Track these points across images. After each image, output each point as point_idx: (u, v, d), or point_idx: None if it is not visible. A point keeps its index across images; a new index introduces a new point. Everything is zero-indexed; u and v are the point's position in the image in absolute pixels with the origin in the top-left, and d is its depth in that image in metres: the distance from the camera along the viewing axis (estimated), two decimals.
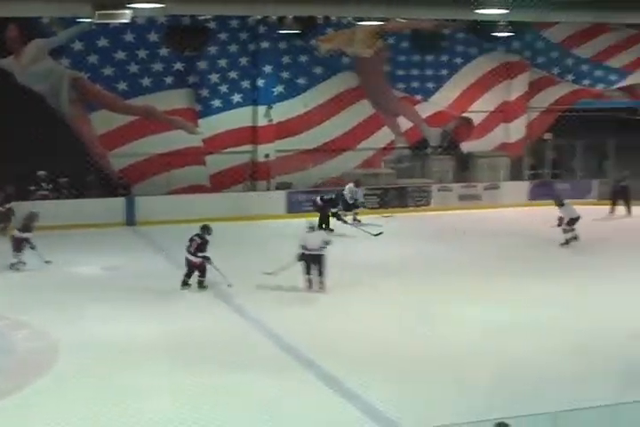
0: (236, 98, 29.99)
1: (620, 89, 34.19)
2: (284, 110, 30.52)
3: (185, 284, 19.46)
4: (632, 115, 33.79)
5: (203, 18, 28.91)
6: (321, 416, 12.54)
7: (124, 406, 12.80)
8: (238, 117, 30.02)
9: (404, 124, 32.12)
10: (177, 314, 17.80)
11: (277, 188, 29.90)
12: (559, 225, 24.11)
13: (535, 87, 33.23)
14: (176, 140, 29.08)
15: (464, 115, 32.67)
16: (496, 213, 30.03)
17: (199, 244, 19.25)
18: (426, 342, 16.11)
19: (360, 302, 18.71)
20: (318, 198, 26.29)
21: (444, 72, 32.59)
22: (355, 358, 15.10)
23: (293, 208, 28.83)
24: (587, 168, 32.98)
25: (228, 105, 29.91)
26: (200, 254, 19.22)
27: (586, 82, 33.76)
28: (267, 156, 30.01)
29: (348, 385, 13.78)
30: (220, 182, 29.55)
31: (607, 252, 24.18)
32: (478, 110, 32.84)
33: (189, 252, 19.31)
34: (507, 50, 33.00)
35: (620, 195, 29.67)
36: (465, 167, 32.42)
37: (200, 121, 29.61)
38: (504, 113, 33.04)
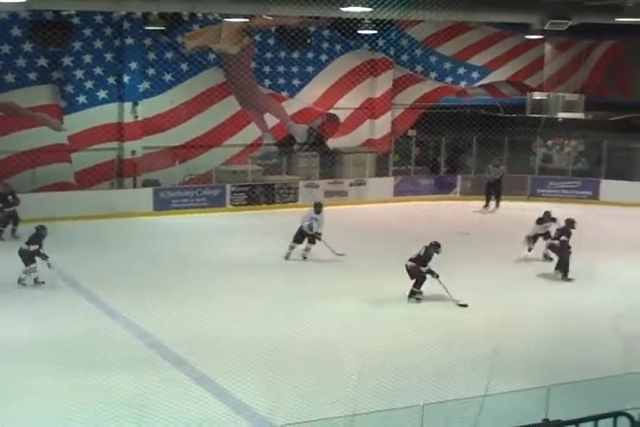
0: (102, 94, 29.60)
1: (481, 87, 35.01)
2: (151, 107, 30.28)
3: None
4: (493, 111, 34.61)
5: (66, 13, 28.48)
6: (190, 413, 12.57)
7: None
8: (104, 114, 29.62)
9: (271, 120, 32.19)
10: (41, 315, 17.54)
11: (144, 185, 29.59)
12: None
13: (399, 84, 33.73)
14: (41, 137, 28.43)
15: (330, 111, 32.91)
16: (362, 208, 30.43)
17: None
18: (293, 338, 16.25)
19: (226, 301, 18.77)
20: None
21: (310, 69, 32.83)
22: (224, 355, 15.16)
23: (160, 206, 28.68)
24: (451, 164, 33.71)
25: (93, 101, 29.48)
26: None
27: (448, 79, 34.58)
28: (133, 153, 29.76)
29: (217, 383, 13.86)
30: (86, 180, 29.09)
31: (472, 244, 24.76)
32: (344, 107, 33.18)
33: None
34: (371, 48, 33.39)
35: (492, 188, 30.63)
36: (331, 164, 32.71)
37: (65, 117, 29.11)
38: (369, 110, 33.49)
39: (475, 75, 34.65)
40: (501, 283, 20.67)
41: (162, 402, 12.84)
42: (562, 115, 34.23)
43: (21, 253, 19.77)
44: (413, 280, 19.40)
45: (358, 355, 15.19)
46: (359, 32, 30.92)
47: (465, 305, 18.92)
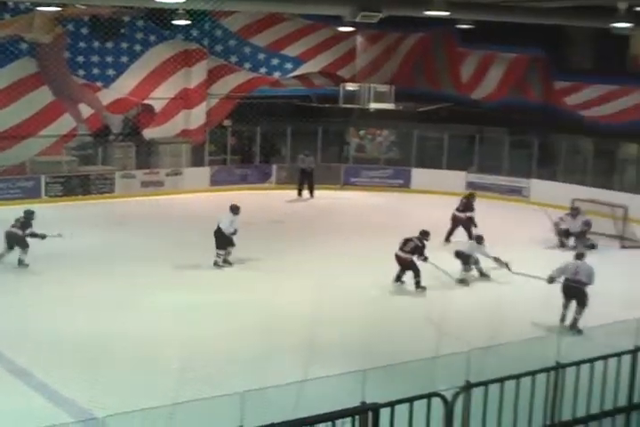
0: None
1: (295, 77, 35.45)
2: None
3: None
4: (306, 102, 35.14)
5: None
6: (6, 406, 12.49)
7: None
8: None
9: (86, 111, 31.74)
10: None
11: None
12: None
13: (214, 75, 33.75)
14: None
15: (145, 102, 32.74)
16: (179, 198, 30.53)
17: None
18: (116, 330, 16.31)
19: (49, 294, 18.65)
20: None
21: (125, 59, 32.41)
22: (43, 348, 15.10)
23: None
24: (266, 153, 34.09)
25: None
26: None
27: (263, 70, 34.74)
28: None
29: (35, 376, 13.79)
30: None
31: (287, 232, 25.26)
32: (159, 97, 32.99)
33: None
34: (186, 38, 33.30)
35: (305, 178, 31.18)
36: (147, 154, 32.61)
37: None
38: (184, 100, 33.36)
39: (288, 66, 35.00)
40: (317, 269, 21.20)
41: None
42: (373, 105, 34.98)
43: (11, 236, 21.12)
44: (409, 271, 20.38)
45: (180, 345, 15.40)
46: (173, 22, 30.87)
47: (463, 280, 20.73)
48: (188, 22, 30.98)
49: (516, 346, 12.22)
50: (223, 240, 21.64)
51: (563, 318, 17.42)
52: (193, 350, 15.35)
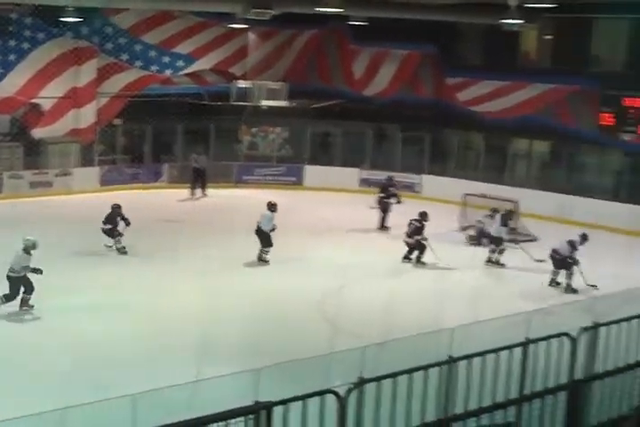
0: None
1: (187, 75, 35.16)
2: None
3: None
4: (198, 100, 34.86)
5: None
6: None
7: None
8: None
9: None
10: None
11: None
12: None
13: (104, 73, 33.20)
14: None
15: (33, 101, 32.06)
16: (68, 199, 30.02)
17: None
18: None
19: None
20: None
21: (12, 57, 31.71)
22: None
23: None
24: (157, 152, 33.74)
25: None
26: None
27: (154, 68, 34.31)
28: None
29: None
30: None
31: (179, 232, 24.94)
32: (48, 96, 32.30)
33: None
34: (75, 35, 32.62)
35: (197, 177, 30.99)
36: (36, 154, 31.96)
37: None
38: (74, 99, 32.73)
39: (180, 63, 34.65)
40: (209, 269, 21.03)
41: None
42: (266, 103, 34.90)
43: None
44: (415, 251, 22.71)
45: (68, 348, 15.12)
46: (62, 20, 30.32)
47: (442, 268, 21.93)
48: (78, 20, 30.44)
49: (411, 341, 12.25)
50: (264, 238, 22.41)
51: (551, 283, 20.85)
52: (82, 353, 15.06)
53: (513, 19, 25.84)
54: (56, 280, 19.31)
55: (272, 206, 22.71)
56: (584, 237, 21.07)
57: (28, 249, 17.55)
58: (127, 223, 22.63)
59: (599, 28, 30.88)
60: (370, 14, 30.76)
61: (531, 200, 27.14)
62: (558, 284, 20.82)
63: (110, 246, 22.59)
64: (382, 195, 26.80)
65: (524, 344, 10.69)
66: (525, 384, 10.73)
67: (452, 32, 33.10)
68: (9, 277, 17.44)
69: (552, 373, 10.94)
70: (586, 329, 11.22)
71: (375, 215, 26.44)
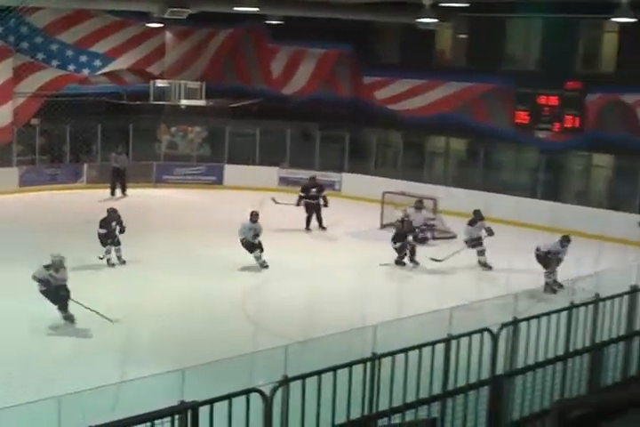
0: None
1: (104, 75, 34.89)
2: None
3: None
4: (116, 99, 34.63)
5: None
6: None
7: None
8: None
9: None
10: None
11: None
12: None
13: (21, 73, 32.78)
14: None
15: None
16: None
17: None
18: None
19: None
20: None
21: None
22: None
23: None
24: (76, 152, 33.42)
25: None
26: None
27: (71, 67, 33.95)
28: None
29: None
30: None
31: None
32: None
33: None
34: None
35: (117, 177, 30.80)
36: None
37: None
38: None
39: (97, 63, 34.36)
40: (130, 270, 20.94)
41: None
42: (184, 102, 34.83)
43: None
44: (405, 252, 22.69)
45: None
46: None
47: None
48: None
49: (334, 339, 12.34)
50: (245, 246, 22.11)
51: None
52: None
53: (428, 18, 26.14)
54: None
55: (253, 216, 22.42)
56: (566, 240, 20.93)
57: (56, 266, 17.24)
58: (122, 230, 21.99)
59: (513, 28, 31.37)
60: (285, 13, 30.85)
61: (449, 197, 27.46)
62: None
63: (101, 258, 21.83)
64: (303, 194, 26.88)
65: (447, 341, 10.85)
66: (448, 380, 10.90)
67: (368, 31, 33.32)
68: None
69: (474, 368, 11.13)
70: (506, 325, 11.41)
71: (294, 213, 26.50)
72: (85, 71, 34.34)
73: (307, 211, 26.83)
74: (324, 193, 27.14)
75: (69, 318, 17.14)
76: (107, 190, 30.80)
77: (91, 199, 29.70)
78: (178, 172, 33.60)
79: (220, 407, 9.07)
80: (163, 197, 30.91)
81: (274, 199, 26.24)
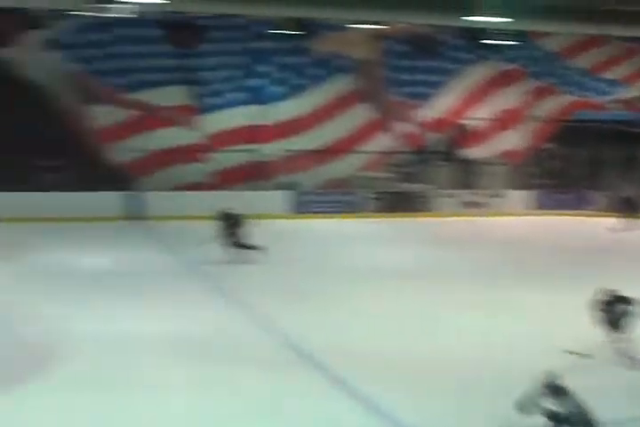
0: (235, 96, 29.40)
1: (619, 101, 33.84)
2: (282, 110, 29.93)
3: None
4: (628, 126, 33.40)
5: (199, 15, 28.29)
6: (323, 415, 11.52)
7: (132, 399, 11.69)
8: (239, 116, 29.40)
9: (404, 128, 31.41)
10: (179, 311, 16.44)
11: (279, 188, 29.02)
12: None
13: (533, 97, 32.68)
14: (176, 136, 28.50)
15: (462, 121, 32.03)
16: (498, 221, 29.46)
17: None
18: (431, 349, 14.72)
19: (368, 308, 17.40)
20: None
21: (441, 78, 31.93)
22: (363, 362, 13.82)
23: (299, 208, 28.53)
24: (588, 179, 32.39)
25: (227, 103, 29.29)
26: None
27: (585, 93, 33.35)
28: (269, 155, 29.44)
29: (355, 387, 12.62)
30: (222, 180, 28.84)
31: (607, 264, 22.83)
32: (477, 117, 32.24)
33: None
34: (503, 58, 32.52)
35: (625, 206, 28.73)
36: (466, 174, 31.91)
37: (199, 118, 29.00)
38: (502, 121, 32.44)
39: (612, 89, 33.50)
40: None
41: (295, 403, 11.77)
42: None
43: None
44: None
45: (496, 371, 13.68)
46: (491, 42, 30.30)
47: None
48: (507, 42, 30.28)
49: None
50: None
51: None
52: (504, 374, 13.44)
53: None
54: (481, 301, 18.05)
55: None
56: None
57: None
58: None
59: None
60: None
61: None
62: None
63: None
64: None
65: None
66: None
67: None
68: None
69: None
70: None
71: None
72: (599, 98, 33.49)
73: None
74: None
75: None
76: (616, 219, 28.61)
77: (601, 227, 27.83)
78: None
79: None
80: None
81: None
